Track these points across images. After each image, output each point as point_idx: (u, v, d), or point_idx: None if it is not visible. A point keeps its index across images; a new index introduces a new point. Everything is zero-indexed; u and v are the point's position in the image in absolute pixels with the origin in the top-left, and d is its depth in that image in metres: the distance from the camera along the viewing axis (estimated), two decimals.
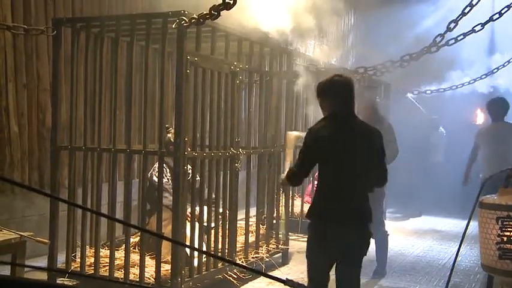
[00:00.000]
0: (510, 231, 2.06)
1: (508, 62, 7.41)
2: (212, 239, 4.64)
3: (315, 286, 3.17)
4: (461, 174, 6.45)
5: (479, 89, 8.58)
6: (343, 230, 3.06)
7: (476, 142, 6.21)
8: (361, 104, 5.68)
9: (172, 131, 4.77)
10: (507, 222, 2.03)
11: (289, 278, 1.38)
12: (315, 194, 3.27)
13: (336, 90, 3.16)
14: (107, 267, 4.40)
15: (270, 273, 3.24)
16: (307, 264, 3.23)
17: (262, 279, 4.98)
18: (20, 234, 3.58)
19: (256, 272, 2.02)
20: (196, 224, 4.42)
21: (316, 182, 7.90)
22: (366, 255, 3.20)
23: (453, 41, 5.42)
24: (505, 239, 2.03)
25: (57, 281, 4.56)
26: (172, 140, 4.61)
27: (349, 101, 3.17)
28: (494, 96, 6.54)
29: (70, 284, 4.52)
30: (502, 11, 5.11)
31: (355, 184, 3.11)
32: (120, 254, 4.64)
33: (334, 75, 3.24)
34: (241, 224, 5.26)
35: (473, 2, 4.93)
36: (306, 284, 2.50)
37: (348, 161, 3.09)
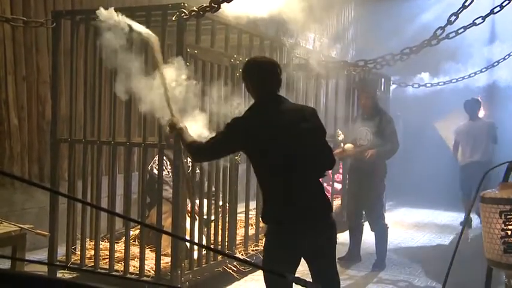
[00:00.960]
0: None
1: (509, 55, 7.39)
2: (212, 231, 4.65)
3: None
4: None
5: (477, 83, 8.57)
6: (306, 230, 2.74)
7: (456, 138, 7.64)
8: (361, 97, 5.68)
9: None
10: (510, 216, 2.03)
11: None
12: (263, 195, 2.90)
13: (262, 72, 2.88)
14: (107, 260, 4.41)
15: None
16: (264, 277, 2.88)
17: (261, 272, 4.99)
18: (20, 227, 3.58)
19: (255, 266, 2.02)
20: (196, 217, 4.42)
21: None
22: (336, 244, 2.93)
23: (454, 34, 5.40)
24: (509, 233, 2.03)
25: (57, 274, 4.57)
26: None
27: (277, 84, 2.89)
28: (470, 97, 7.61)
29: (70, 277, 4.52)
30: (503, 4, 5.08)
31: (303, 175, 2.77)
32: (120, 246, 4.65)
33: (258, 56, 3.03)
34: (241, 217, 5.27)
35: None
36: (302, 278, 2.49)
37: (289, 150, 2.75)
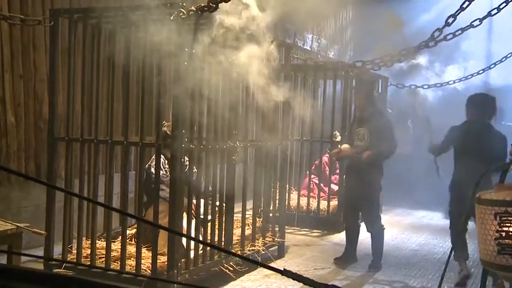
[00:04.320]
0: (508, 227, 2.07)
1: (506, 57, 7.42)
2: (209, 231, 4.65)
3: None
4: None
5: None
6: None
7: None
8: (357, 98, 5.69)
9: (167, 124, 4.77)
10: (505, 218, 2.04)
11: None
12: None
13: None
14: (103, 259, 4.41)
15: None
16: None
17: (258, 272, 5.00)
18: (16, 225, 3.58)
19: (254, 263, 2.03)
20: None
21: (312, 176, 7.88)
22: None
23: (451, 35, 5.41)
24: (503, 234, 2.04)
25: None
26: (168, 132, 4.61)
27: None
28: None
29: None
30: (501, 6, 5.10)
31: None
32: (116, 245, 4.65)
33: None
34: (237, 216, 5.27)
35: None
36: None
37: None
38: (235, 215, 5.06)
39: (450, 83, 8.41)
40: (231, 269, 4.71)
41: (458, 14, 4.98)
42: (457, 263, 5.16)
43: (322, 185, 7.57)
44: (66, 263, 4.34)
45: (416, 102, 8.89)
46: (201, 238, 4.53)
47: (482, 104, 4.99)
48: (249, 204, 5.46)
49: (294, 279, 1.35)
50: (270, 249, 5.53)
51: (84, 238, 4.63)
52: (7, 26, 5.19)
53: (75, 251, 4.53)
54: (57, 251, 4.65)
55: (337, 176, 7.58)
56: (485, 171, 2.28)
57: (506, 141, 4.81)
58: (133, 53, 4.42)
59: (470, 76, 8.12)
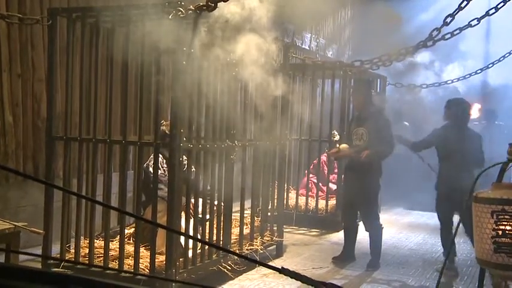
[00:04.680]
0: (505, 225, 2.08)
1: (504, 56, 7.43)
2: (207, 230, 4.65)
3: None
4: None
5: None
6: None
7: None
8: (354, 98, 5.69)
9: (165, 123, 4.77)
10: (502, 216, 2.05)
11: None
12: None
13: None
14: (102, 258, 4.41)
15: None
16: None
17: (256, 271, 5.00)
18: (14, 225, 3.57)
19: (252, 261, 2.04)
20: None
21: (310, 176, 7.89)
22: None
23: (449, 35, 5.42)
24: (500, 232, 2.05)
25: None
26: (167, 132, 4.61)
27: None
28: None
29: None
30: (498, 6, 5.12)
31: None
32: (114, 245, 4.64)
33: None
34: (236, 216, 5.27)
35: None
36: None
37: None
38: (233, 214, 5.07)
39: (448, 82, 8.42)
40: (229, 268, 4.71)
41: (457, 13, 5.00)
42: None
43: (320, 184, 7.57)
44: (65, 262, 4.34)
45: (413, 102, 8.91)
46: (199, 237, 4.53)
47: (459, 107, 5.36)
48: (248, 204, 5.46)
49: (291, 278, 1.35)
50: (268, 248, 5.53)
51: (82, 237, 4.63)
52: (5, 25, 5.18)
53: (73, 250, 4.53)
54: (55, 250, 4.65)
55: (336, 176, 7.59)
56: (482, 171, 2.28)
57: (481, 140, 5.35)
58: (132, 52, 4.42)
59: (468, 76, 8.14)
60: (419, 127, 9.68)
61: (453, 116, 5.34)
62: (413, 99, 8.83)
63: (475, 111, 10.27)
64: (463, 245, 6.50)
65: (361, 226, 5.68)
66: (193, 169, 4.58)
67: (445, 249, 5.46)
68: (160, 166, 4.67)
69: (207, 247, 4.58)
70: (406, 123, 9.92)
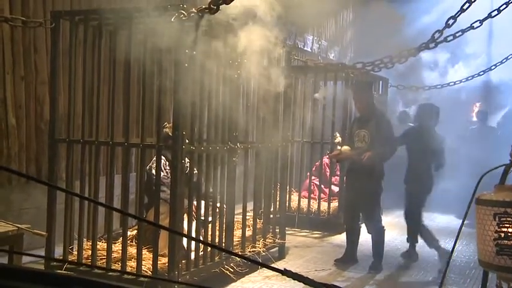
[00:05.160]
0: (507, 228, 2.08)
1: (507, 58, 7.42)
2: (209, 232, 4.66)
3: None
4: None
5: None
6: None
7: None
8: (355, 100, 5.69)
9: (168, 125, 4.78)
10: (504, 219, 2.05)
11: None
12: None
13: None
14: (104, 260, 4.41)
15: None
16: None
17: (258, 273, 5.00)
18: (17, 227, 3.58)
19: (254, 263, 2.04)
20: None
21: (313, 178, 7.90)
22: None
23: (451, 37, 5.42)
24: (502, 235, 2.05)
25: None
26: (170, 134, 4.62)
27: None
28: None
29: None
30: (501, 8, 5.12)
31: None
32: (117, 246, 4.65)
33: None
34: (238, 218, 5.28)
35: None
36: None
37: None
38: (235, 216, 5.07)
39: (451, 84, 8.42)
40: (232, 270, 4.71)
41: (459, 15, 5.00)
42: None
43: (322, 186, 7.57)
44: (67, 263, 4.34)
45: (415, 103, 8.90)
46: (201, 239, 4.54)
47: (428, 112, 5.91)
48: (250, 206, 5.46)
49: (294, 280, 1.35)
50: (271, 250, 5.53)
51: (85, 239, 4.64)
52: (8, 28, 5.21)
53: (76, 252, 4.54)
54: (58, 252, 4.66)
55: (338, 178, 7.58)
56: (484, 174, 2.27)
57: (443, 142, 5.89)
58: (134, 55, 4.43)
59: (471, 78, 8.14)
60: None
61: (420, 119, 5.96)
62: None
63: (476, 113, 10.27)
64: (465, 247, 6.50)
65: (363, 228, 5.67)
66: (196, 171, 4.58)
67: (409, 236, 6.02)
68: (163, 168, 4.68)
69: (209, 249, 4.58)
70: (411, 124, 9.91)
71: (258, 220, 5.47)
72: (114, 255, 4.51)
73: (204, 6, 3.87)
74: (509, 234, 2.08)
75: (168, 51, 5.07)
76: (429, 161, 5.72)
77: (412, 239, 5.97)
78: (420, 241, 6.93)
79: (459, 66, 9.33)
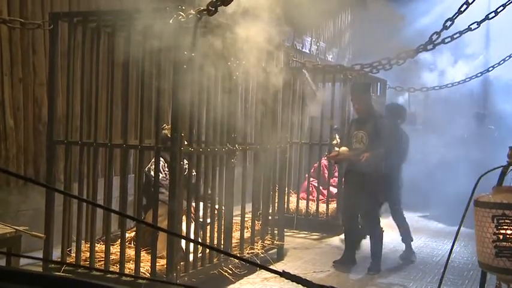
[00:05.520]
0: (506, 229, 2.08)
1: (504, 60, 7.44)
2: (208, 234, 4.65)
3: None
4: None
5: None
6: None
7: None
8: (353, 101, 5.69)
9: (167, 127, 4.78)
10: (503, 221, 2.05)
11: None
12: None
13: None
14: (102, 262, 4.41)
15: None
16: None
17: (257, 275, 5.00)
18: (15, 229, 3.57)
19: (253, 265, 2.03)
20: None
21: (311, 179, 7.89)
22: None
23: (449, 39, 5.44)
24: (501, 237, 2.05)
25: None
26: (168, 135, 4.62)
27: None
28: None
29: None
30: (498, 10, 5.13)
31: None
32: (115, 248, 4.65)
33: None
34: (236, 219, 5.27)
35: (470, 0, 4.95)
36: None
37: None
38: (234, 217, 5.07)
39: (449, 85, 8.44)
40: (230, 272, 4.71)
41: (456, 17, 5.01)
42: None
43: (321, 187, 7.57)
44: (66, 266, 4.34)
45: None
46: (200, 241, 4.53)
47: (396, 111, 6.33)
48: (248, 207, 5.46)
49: (292, 281, 1.35)
50: (269, 252, 5.53)
51: (83, 241, 4.63)
52: (7, 30, 5.20)
53: (74, 254, 4.53)
54: (56, 254, 4.65)
55: (336, 179, 7.59)
56: (482, 175, 2.28)
57: (408, 139, 6.36)
58: (133, 56, 4.43)
59: (468, 79, 8.16)
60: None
61: (390, 118, 6.15)
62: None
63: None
64: (463, 249, 6.50)
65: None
66: (194, 173, 4.58)
67: (403, 236, 6.24)
68: (161, 170, 4.68)
69: (208, 251, 4.58)
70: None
71: (256, 222, 5.46)
72: (113, 257, 4.51)
73: (202, 8, 3.88)
74: (507, 236, 2.09)
75: (166, 52, 5.08)
76: (395, 158, 5.79)
77: (406, 238, 6.12)
78: (418, 243, 6.95)
79: (457, 67, 9.34)
